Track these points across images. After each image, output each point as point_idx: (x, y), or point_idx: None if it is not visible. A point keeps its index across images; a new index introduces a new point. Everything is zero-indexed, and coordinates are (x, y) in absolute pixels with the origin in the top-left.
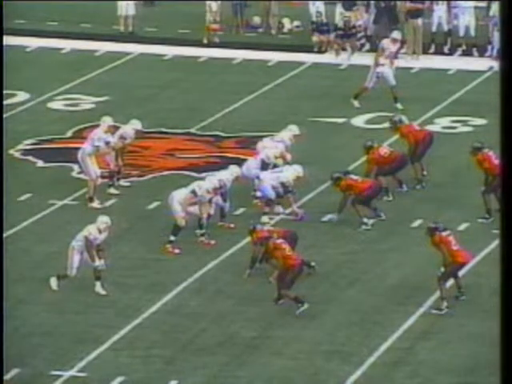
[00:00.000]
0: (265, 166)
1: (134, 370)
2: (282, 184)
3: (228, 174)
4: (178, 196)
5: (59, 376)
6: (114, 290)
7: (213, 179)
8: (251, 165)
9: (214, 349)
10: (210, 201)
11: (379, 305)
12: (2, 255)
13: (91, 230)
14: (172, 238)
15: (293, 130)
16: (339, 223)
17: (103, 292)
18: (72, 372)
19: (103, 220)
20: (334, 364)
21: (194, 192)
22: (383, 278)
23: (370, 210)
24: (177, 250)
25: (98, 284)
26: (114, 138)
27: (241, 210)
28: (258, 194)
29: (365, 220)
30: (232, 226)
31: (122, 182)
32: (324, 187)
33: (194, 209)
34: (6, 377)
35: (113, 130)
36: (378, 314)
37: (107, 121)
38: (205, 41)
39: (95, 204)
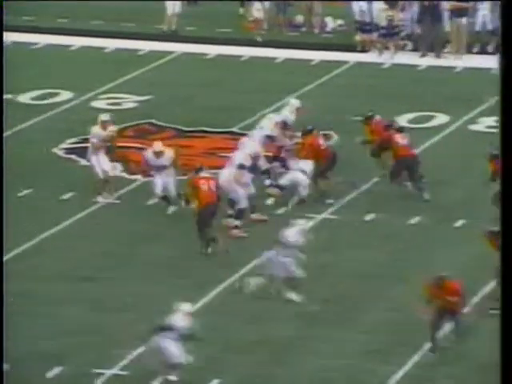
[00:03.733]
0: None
1: None
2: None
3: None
4: (227, 177)
5: (101, 374)
6: (155, 288)
7: (250, 144)
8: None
9: (253, 347)
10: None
11: (420, 304)
12: (3, 254)
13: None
14: (237, 222)
15: (293, 103)
16: (381, 222)
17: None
18: (114, 370)
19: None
20: (375, 364)
21: (241, 166)
22: (424, 278)
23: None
24: (244, 234)
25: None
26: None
27: (283, 210)
28: (267, 182)
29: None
30: (265, 218)
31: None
32: (366, 187)
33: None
34: (49, 374)
35: (105, 125)
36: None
37: (103, 117)
38: (258, 38)
39: (101, 198)
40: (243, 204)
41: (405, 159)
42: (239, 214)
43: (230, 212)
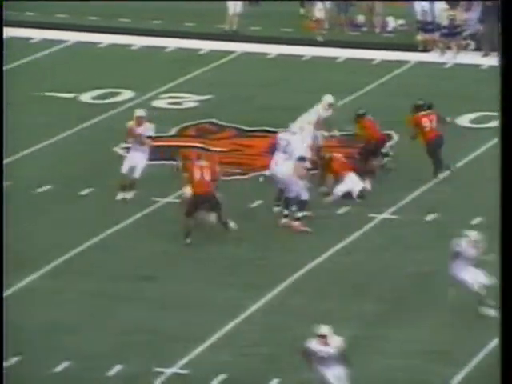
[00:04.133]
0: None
1: (235, 367)
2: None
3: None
4: (288, 170)
5: (161, 373)
6: (215, 288)
7: (304, 136)
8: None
9: None
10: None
11: None
12: (2, 254)
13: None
14: (299, 214)
15: (326, 99)
16: (442, 222)
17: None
18: (174, 369)
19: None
20: (438, 364)
21: (302, 158)
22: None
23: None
24: (307, 228)
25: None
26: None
27: (344, 209)
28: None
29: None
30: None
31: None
32: (428, 186)
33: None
34: (109, 373)
35: (140, 121)
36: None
37: (138, 113)
38: (320, 38)
39: (120, 196)
40: (305, 196)
41: (435, 140)
42: (302, 206)
43: (286, 212)
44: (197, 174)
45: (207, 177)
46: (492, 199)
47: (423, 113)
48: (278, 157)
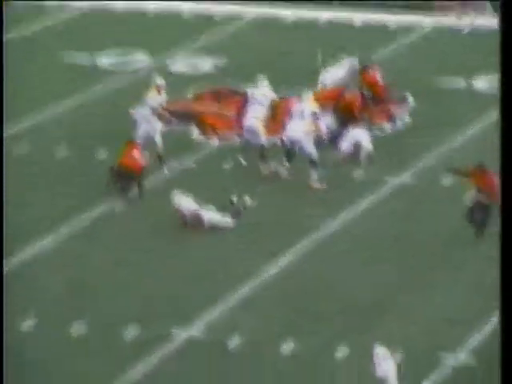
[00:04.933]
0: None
1: (252, 329)
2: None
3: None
4: (302, 128)
5: (177, 334)
6: (232, 254)
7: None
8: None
9: (333, 314)
10: None
11: None
12: (2, 254)
13: None
14: (315, 172)
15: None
16: (457, 187)
17: None
18: (191, 332)
19: None
20: (455, 329)
21: (314, 114)
22: None
23: None
24: (323, 185)
25: None
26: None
27: (358, 172)
28: None
29: None
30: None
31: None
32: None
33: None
34: (127, 334)
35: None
36: None
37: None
38: None
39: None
40: (315, 155)
41: None
42: (314, 165)
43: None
44: (136, 153)
45: (139, 157)
46: None
47: None
48: (256, 110)
